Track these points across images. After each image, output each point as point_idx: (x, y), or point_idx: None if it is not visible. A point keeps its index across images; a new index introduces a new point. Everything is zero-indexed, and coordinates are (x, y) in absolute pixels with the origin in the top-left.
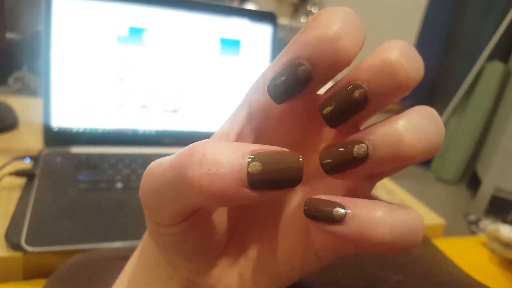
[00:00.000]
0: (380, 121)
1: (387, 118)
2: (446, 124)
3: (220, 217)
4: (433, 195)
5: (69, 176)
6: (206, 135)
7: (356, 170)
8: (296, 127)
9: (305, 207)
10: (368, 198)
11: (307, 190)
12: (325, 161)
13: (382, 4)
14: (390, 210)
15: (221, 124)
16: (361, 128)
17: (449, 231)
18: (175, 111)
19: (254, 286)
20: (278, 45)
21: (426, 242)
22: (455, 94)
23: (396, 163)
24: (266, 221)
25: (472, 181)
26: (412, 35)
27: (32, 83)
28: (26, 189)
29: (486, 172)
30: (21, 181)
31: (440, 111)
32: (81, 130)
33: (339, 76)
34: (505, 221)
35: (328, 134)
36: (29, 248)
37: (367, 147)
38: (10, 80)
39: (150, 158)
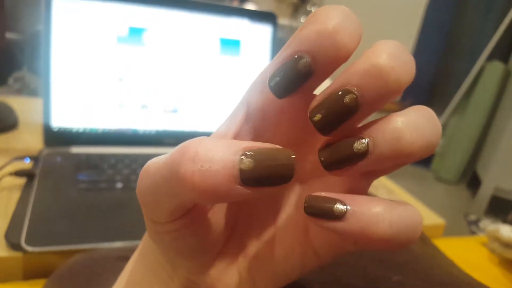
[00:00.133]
0: (380, 118)
1: (386, 115)
2: (446, 124)
3: (218, 215)
4: (433, 195)
5: (69, 176)
6: (206, 135)
7: (356, 166)
8: (294, 127)
9: (305, 204)
10: None
11: (305, 189)
12: (325, 158)
13: (382, 4)
14: (390, 206)
15: (220, 125)
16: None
17: (449, 231)
18: (175, 111)
19: (253, 285)
20: (278, 45)
21: (426, 242)
22: (455, 94)
23: (396, 160)
24: (265, 220)
25: (472, 181)
26: (412, 35)
27: (32, 83)
28: (26, 189)
29: (486, 172)
30: (21, 181)
31: (440, 111)
32: (81, 130)
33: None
34: (505, 221)
35: None
36: (29, 248)
37: (367, 143)
38: (10, 80)
39: (150, 158)
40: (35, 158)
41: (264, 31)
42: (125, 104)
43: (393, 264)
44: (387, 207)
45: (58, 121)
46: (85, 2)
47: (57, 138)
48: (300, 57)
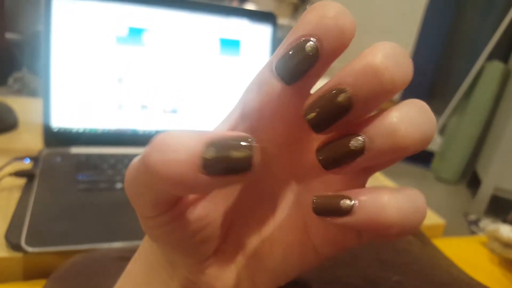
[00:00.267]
0: (374, 114)
1: (380, 111)
2: (446, 124)
3: (211, 211)
4: (433, 195)
5: (69, 176)
6: None
7: (353, 163)
8: (291, 127)
9: (313, 206)
10: None
11: (304, 188)
12: (322, 156)
13: (382, 4)
14: (394, 193)
15: (217, 125)
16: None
17: (449, 231)
18: (174, 111)
19: (252, 283)
20: (278, 45)
21: (425, 242)
22: (455, 94)
23: (392, 154)
24: (263, 219)
25: (472, 181)
26: (412, 35)
27: (32, 83)
28: (26, 190)
29: (486, 172)
30: (21, 181)
31: (440, 111)
32: (81, 131)
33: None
34: (505, 221)
35: None
36: (29, 249)
37: (363, 140)
38: (10, 81)
39: None
40: (35, 159)
41: (264, 31)
42: (124, 104)
43: (392, 264)
44: (391, 193)
45: (58, 122)
46: (84, 2)
47: (57, 139)
48: (306, 40)
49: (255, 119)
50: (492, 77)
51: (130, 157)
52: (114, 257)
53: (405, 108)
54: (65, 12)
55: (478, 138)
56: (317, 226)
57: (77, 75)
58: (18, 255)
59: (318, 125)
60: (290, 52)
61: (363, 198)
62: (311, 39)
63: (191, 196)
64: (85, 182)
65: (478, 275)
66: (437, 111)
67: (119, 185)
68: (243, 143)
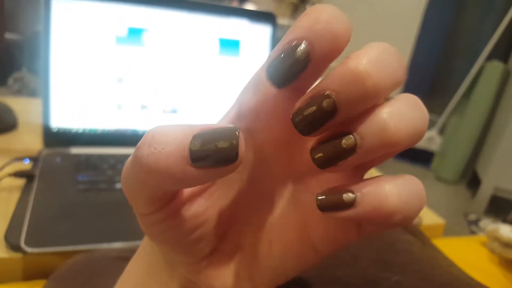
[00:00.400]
0: (365, 112)
1: (372, 108)
2: (445, 123)
3: (208, 208)
4: (433, 195)
5: (69, 176)
6: None
7: (347, 162)
8: (286, 127)
9: (318, 202)
10: None
11: (301, 187)
12: (316, 156)
13: (382, 4)
14: (393, 180)
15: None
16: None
17: (449, 231)
18: (174, 111)
19: (252, 283)
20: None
21: (425, 242)
22: (455, 94)
23: (384, 150)
24: (261, 218)
25: (472, 181)
26: (411, 35)
27: (32, 83)
28: (25, 190)
29: (486, 171)
30: (21, 182)
31: (440, 111)
32: (80, 131)
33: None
34: (505, 221)
35: None
36: (29, 249)
37: (355, 137)
38: (10, 81)
39: None
40: (34, 159)
41: (264, 31)
42: (124, 105)
43: (392, 264)
44: (391, 181)
45: (58, 122)
46: (84, 2)
47: (57, 139)
48: (298, 44)
49: (251, 119)
50: (492, 77)
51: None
52: (113, 257)
53: (396, 103)
54: (64, 12)
55: (478, 138)
56: (316, 223)
57: (76, 75)
58: (17, 255)
59: (305, 129)
60: (281, 56)
61: (364, 189)
62: (303, 42)
63: (187, 193)
64: (85, 182)
65: (478, 275)
66: (437, 111)
67: (118, 186)
68: (227, 134)
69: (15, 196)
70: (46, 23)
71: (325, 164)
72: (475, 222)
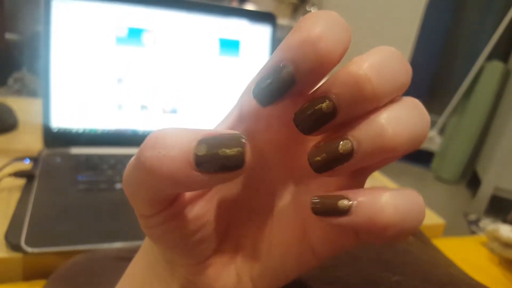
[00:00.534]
0: (364, 116)
1: (370, 112)
2: (446, 123)
3: (209, 210)
4: (433, 195)
5: (69, 177)
6: None
7: (344, 166)
8: (287, 129)
9: (312, 206)
10: None
11: (302, 189)
12: (313, 160)
13: (381, 4)
14: (392, 193)
15: (215, 126)
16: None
17: (449, 231)
18: (174, 111)
19: (252, 284)
20: (277, 45)
21: (425, 242)
22: (455, 94)
23: (381, 156)
24: (261, 220)
25: (472, 181)
26: (411, 35)
27: (32, 84)
28: (25, 190)
29: (486, 171)
30: (21, 182)
31: (440, 111)
32: (80, 131)
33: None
34: (505, 220)
35: None
36: (29, 249)
37: (352, 142)
38: (10, 81)
39: None
40: (34, 159)
41: (264, 31)
42: (124, 105)
43: (392, 265)
44: (389, 194)
45: (58, 122)
46: (84, 3)
47: (57, 139)
48: (283, 66)
49: (252, 121)
50: (492, 77)
51: (130, 157)
52: (114, 258)
53: (395, 108)
54: (64, 13)
55: (478, 138)
56: (315, 226)
57: (76, 76)
58: (18, 255)
59: (305, 129)
60: (266, 77)
61: (361, 198)
62: (288, 65)
63: (189, 195)
64: (85, 182)
65: (478, 275)
66: (437, 111)
67: (118, 186)
68: (233, 141)
69: (15, 196)
70: (46, 23)
71: (321, 168)
72: (475, 222)
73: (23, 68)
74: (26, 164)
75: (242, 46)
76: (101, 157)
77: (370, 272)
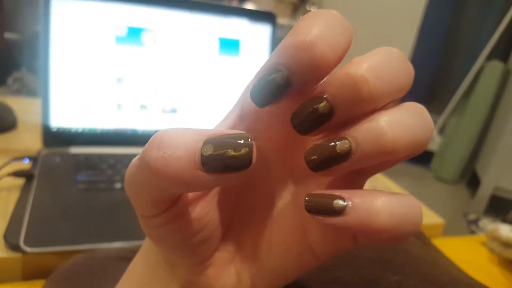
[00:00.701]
0: (363, 117)
1: (371, 113)
2: (445, 123)
3: (210, 211)
4: (433, 194)
5: (68, 176)
6: None
7: (341, 167)
8: (287, 128)
9: (306, 203)
10: None
11: (301, 189)
12: (310, 159)
13: (381, 4)
14: (389, 197)
15: (215, 125)
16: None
17: (448, 231)
18: (174, 111)
19: (252, 284)
20: (277, 44)
21: (425, 242)
22: (455, 94)
23: (379, 158)
24: (261, 220)
25: (472, 181)
26: (411, 35)
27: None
28: (25, 190)
29: (485, 171)
30: (20, 181)
31: (440, 111)
32: (80, 131)
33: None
34: (505, 220)
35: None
36: (28, 249)
37: (350, 143)
38: (9, 81)
39: None
40: (34, 159)
41: (263, 30)
42: (124, 104)
43: (392, 264)
44: (386, 198)
45: (57, 121)
46: (83, 2)
47: (56, 139)
48: (277, 70)
49: (252, 120)
50: (492, 77)
51: (130, 157)
52: (113, 257)
53: (397, 111)
54: (64, 12)
55: (478, 137)
56: (314, 227)
57: (76, 75)
58: (17, 255)
59: (302, 129)
60: (262, 80)
61: (356, 200)
62: (282, 69)
63: (190, 196)
64: (84, 182)
65: (478, 275)
66: (437, 111)
67: (118, 185)
68: (240, 141)
69: (15, 196)
70: (45, 23)
71: (318, 167)
72: (475, 222)
73: (22, 67)
74: (25, 164)
75: (242, 46)
76: (101, 157)
77: (370, 272)
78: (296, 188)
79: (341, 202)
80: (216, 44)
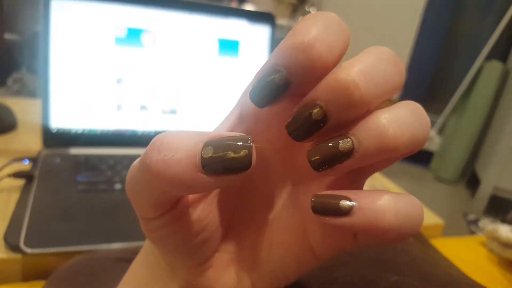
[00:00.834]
0: (364, 116)
1: (372, 112)
2: (445, 123)
3: (210, 213)
4: (432, 194)
5: (68, 177)
6: None
7: (343, 165)
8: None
9: (312, 204)
10: None
11: (301, 190)
12: (313, 158)
13: (381, 4)
14: (393, 197)
15: (216, 126)
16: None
17: (448, 231)
18: (174, 112)
19: (252, 285)
20: (276, 45)
21: (424, 242)
22: (454, 94)
23: (381, 156)
24: (261, 221)
25: (471, 181)
26: (410, 35)
27: (31, 84)
28: (25, 191)
29: (485, 171)
30: (20, 182)
31: (439, 111)
32: (80, 131)
33: None
34: (504, 220)
35: None
36: (28, 250)
37: (352, 141)
38: (9, 81)
39: None
40: (34, 160)
41: (263, 31)
42: (124, 105)
43: (391, 265)
44: (391, 198)
45: (57, 122)
46: (83, 3)
47: (56, 139)
48: (277, 71)
49: (252, 121)
50: (491, 77)
51: (130, 158)
52: (113, 258)
53: (397, 109)
54: (64, 13)
55: (477, 137)
56: (314, 227)
57: (76, 76)
58: (17, 256)
59: (298, 136)
60: (261, 80)
61: (362, 200)
62: (281, 70)
63: (191, 198)
64: (84, 183)
65: (477, 275)
66: (436, 111)
67: (118, 186)
68: (240, 143)
69: (15, 197)
70: (45, 23)
71: (320, 166)
72: (474, 222)
73: (22, 68)
74: (25, 165)
75: (241, 47)
76: (101, 158)
77: (369, 272)
78: (296, 188)
79: (347, 202)
80: (216, 45)
